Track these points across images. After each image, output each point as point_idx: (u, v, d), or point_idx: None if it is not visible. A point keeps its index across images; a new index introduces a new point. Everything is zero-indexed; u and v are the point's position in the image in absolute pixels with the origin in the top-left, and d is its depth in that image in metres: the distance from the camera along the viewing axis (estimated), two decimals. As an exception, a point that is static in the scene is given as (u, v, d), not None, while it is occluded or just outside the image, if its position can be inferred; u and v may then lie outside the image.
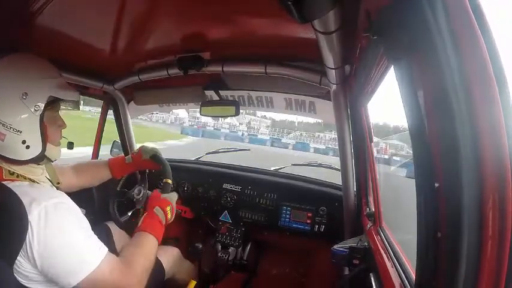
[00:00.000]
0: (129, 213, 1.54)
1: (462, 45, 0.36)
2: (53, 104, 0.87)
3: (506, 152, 0.35)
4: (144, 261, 0.90)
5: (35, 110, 0.82)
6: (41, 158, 0.86)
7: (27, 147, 0.82)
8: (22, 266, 0.75)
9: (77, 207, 0.86)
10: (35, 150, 0.84)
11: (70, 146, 1.00)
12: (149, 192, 1.60)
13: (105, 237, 1.41)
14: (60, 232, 0.76)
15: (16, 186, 0.77)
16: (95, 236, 0.84)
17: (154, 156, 1.39)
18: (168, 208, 1.09)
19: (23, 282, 0.77)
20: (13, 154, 0.81)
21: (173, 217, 1.13)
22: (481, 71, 0.35)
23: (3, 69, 0.78)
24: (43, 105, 0.83)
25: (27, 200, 0.74)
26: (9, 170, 0.83)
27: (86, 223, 0.84)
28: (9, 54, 0.82)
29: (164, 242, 1.69)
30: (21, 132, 0.80)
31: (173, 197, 1.17)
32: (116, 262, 0.84)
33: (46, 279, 0.78)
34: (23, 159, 0.82)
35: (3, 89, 0.78)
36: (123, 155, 2.02)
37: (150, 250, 0.95)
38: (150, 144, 1.53)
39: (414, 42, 0.41)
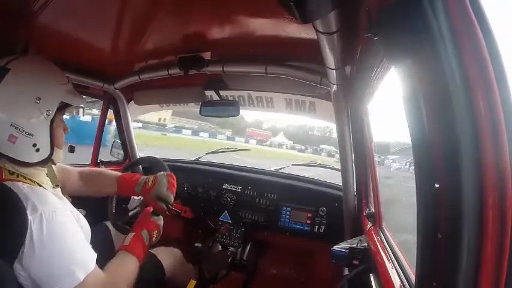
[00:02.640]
0: (129, 215, 1.54)
1: (463, 46, 0.36)
2: (61, 109, 0.88)
3: (507, 153, 0.35)
4: (126, 281, 0.91)
5: (47, 114, 0.83)
6: (47, 161, 0.87)
7: (37, 150, 0.83)
8: (16, 268, 0.75)
9: (76, 214, 0.87)
10: (44, 153, 0.85)
11: (72, 149, 1.00)
12: None
13: (104, 237, 1.41)
14: (52, 241, 0.76)
15: (18, 188, 0.78)
16: (88, 248, 0.84)
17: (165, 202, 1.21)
18: (155, 232, 1.08)
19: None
20: (22, 156, 0.82)
21: (157, 239, 1.12)
22: (482, 71, 0.35)
23: (17, 72, 0.79)
24: (55, 110, 0.85)
25: (27, 203, 0.75)
26: (9, 170, 0.83)
27: (81, 231, 0.84)
28: (21, 56, 0.82)
29: (164, 241, 1.70)
30: (32, 135, 0.81)
31: (161, 220, 1.15)
32: (100, 279, 0.83)
33: (34, 284, 0.77)
34: (32, 162, 0.83)
35: (17, 92, 0.79)
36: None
37: (132, 271, 0.95)
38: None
39: (415, 43, 0.41)
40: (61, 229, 0.78)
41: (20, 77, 0.79)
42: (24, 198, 0.76)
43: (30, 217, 0.74)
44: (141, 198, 1.60)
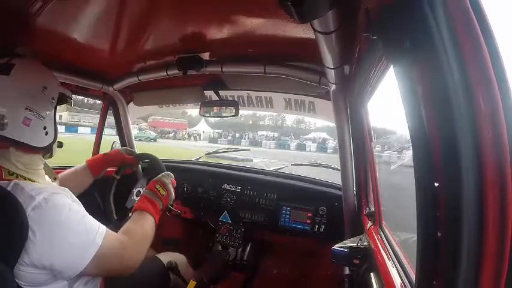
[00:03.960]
0: (130, 214, 1.54)
1: (462, 45, 0.36)
2: (58, 100, 0.96)
3: (507, 152, 0.35)
4: (143, 235, 0.97)
5: (52, 102, 0.93)
6: (49, 148, 0.94)
7: (46, 133, 0.91)
8: (24, 269, 0.75)
9: (70, 195, 0.89)
10: (50, 137, 0.93)
11: (60, 144, 1.04)
12: None
13: None
14: (55, 224, 0.77)
15: (15, 186, 0.79)
16: (90, 217, 0.86)
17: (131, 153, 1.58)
18: (157, 185, 1.13)
19: (26, 286, 0.77)
20: (33, 140, 0.87)
21: (170, 193, 1.17)
22: (482, 70, 0.35)
23: (22, 66, 0.87)
24: (56, 99, 0.94)
25: (22, 198, 0.76)
26: (9, 171, 0.84)
27: (79, 207, 0.87)
28: (15, 58, 0.88)
29: (164, 241, 1.69)
30: (44, 118, 0.89)
31: (162, 175, 1.20)
32: (115, 238, 0.89)
33: (51, 277, 0.79)
34: (40, 146, 0.90)
35: (26, 82, 0.87)
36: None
37: (145, 224, 1.00)
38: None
39: (414, 42, 0.41)
40: (60, 209, 0.79)
41: (26, 69, 0.88)
42: (21, 196, 0.77)
43: (29, 209, 0.75)
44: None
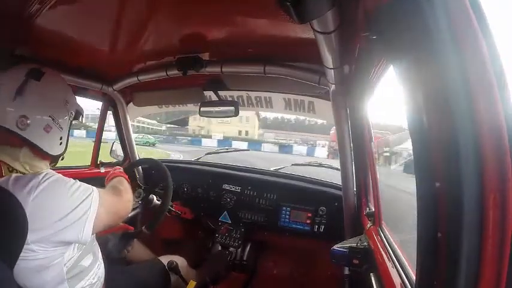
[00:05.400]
0: (128, 215, 1.54)
1: (462, 44, 0.36)
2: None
3: (507, 152, 0.35)
4: (124, 188, 1.11)
5: (70, 116, 0.98)
6: (58, 158, 0.99)
7: (61, 143, 0.96)
8: (39, 255, 0.77)
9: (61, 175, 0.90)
10: (62, 148, 0.97)
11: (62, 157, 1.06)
12: (153, 196, 1.62)
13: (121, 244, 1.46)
14: (52, 202, 0.78)
15: (13, 180, 0.78)
16: (82, 183, 0.88)
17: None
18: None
19: (43, 265, 0.80)
20: (49, 147, 0.91)
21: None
22: (482, 69, 0.35)
23: (51, 75, 0.92)
24: (73, 115, 1.00)
25: (24, 183, 0.76)
26: (8, 167, 0.84)
27: (71, 179, 0.88)
28: (45, 67, 0.92)
29: (164, 242, 1.69)
30: (62, 129, 0.94)
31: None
32: (107, 193, 1.00)
33: (65, 248, 0.83)
34: (53, 154, 0.93)
35: (53, 92, 0.93)
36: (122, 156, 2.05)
37: (124, 182, 1.17)
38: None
39: (414, 42, 0.41)
40: (56, 186, 0.80)
41: (54, 80, 0.93)
42: (22, 180, 0.77)
43: (23, 194, 0.75)
44: (142, 200, 1.60)
